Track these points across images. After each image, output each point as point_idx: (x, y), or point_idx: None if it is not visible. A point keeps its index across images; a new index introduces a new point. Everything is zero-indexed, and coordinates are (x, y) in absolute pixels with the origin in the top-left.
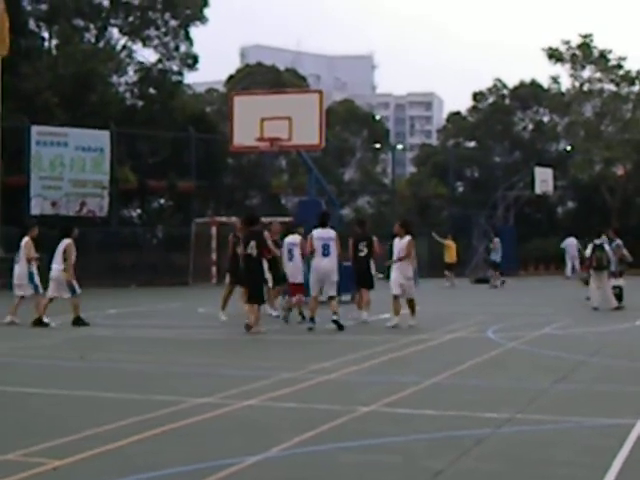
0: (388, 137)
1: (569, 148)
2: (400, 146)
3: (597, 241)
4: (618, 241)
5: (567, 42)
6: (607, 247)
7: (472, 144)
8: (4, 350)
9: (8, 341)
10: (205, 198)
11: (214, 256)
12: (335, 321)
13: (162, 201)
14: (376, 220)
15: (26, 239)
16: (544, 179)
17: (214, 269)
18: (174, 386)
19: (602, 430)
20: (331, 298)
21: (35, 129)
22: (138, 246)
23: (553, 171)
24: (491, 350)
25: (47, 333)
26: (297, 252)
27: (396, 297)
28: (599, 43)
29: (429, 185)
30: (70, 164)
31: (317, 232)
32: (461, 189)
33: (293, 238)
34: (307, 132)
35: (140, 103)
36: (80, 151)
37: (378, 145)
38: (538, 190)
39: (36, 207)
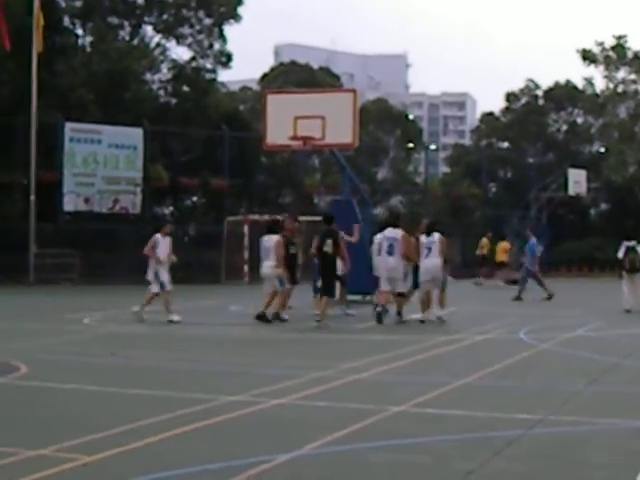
0: (421, 137)
1: (603, 150)
2: (433, 146)
3: (630, 243)
4: None
5: (601, 43)
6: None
7: (505, 145)
8: (36, 346)
9: (40, 337)
10: (238, 196)
11: (246, 254)
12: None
13: (195, 199)
14: (409, 219)
15: (157, 236)
16: (577, 180)
17: (246, 267)
18: (206, 383)
19: (636, 432)
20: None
21: (69, 126)
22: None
23: (587, 173)
24: (523, 351)
25: (80, 329)
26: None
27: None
28: (633, 44)
29: (462, 185)
30: (103, 161)
31: (387, 232)
32: (494, 190)
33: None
34: (340, 131)
35: (173, 101)
36: (113, 148)
37: (411, 145)
38: (571, 191)
39: (69, 204)
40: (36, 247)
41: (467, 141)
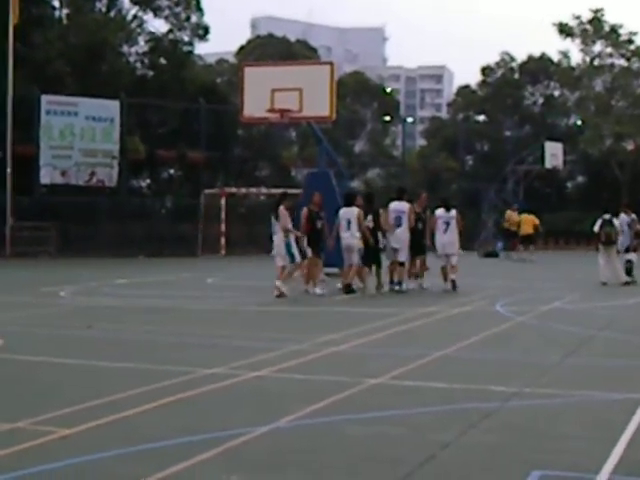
0: (398, 110)
1: (579, 123)
2: (410, 119)
3: (606, 216)
4: (633, 216)
5: (578, 17)
6: (616, 222)
7: (482, 118)
8: (12, 319)
9: (15, 310)
10: (215, 169)
11: (223, 227)
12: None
13: (171, 171)
14: (386, 192)
15: (281, 209)
16: (554, 153)
17: (223, 240)
18: (183, 356)
19: (611, 404)
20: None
21: (45, 98)
22: (147, 216)
23: (563, 146)
24: (500, 324)
25: (55, 302)
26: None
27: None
28: (610, 18)
29: (439, 158)
30: (80, 134)
31: (393, 205)
32: (471, 163)
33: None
34: (318, 104)
35: (150, 73)
36: (90, 121)
37: (388, 117)
38: (548, 164)
39: (46, 176)
40: (13, 220)
41: (444, 114)
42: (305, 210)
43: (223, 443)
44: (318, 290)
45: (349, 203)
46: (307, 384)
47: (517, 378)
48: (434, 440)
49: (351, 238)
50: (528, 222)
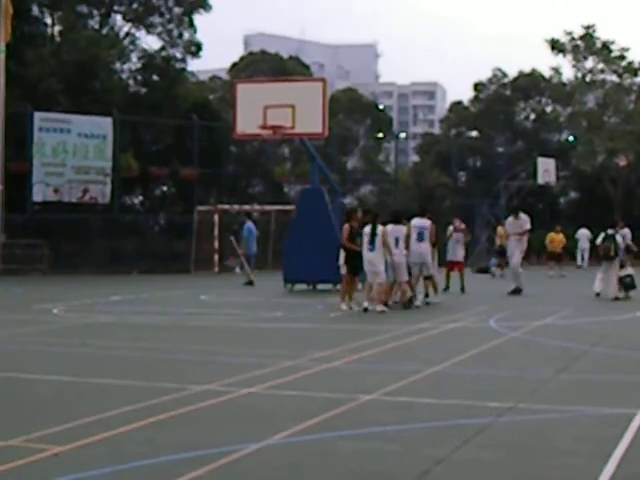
0: (391, 126)
1: (571, 139)
2: (403, 135)
3: (610, 231)
4: (625, 231)
5: (569, 33)
6: (619, 237)
7: (474, 134)
8: (5, 337)
9: (8, 328)
10: (208, 186)
11: (216, 244)
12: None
13: (164, 188)
14: (379, 209)
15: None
16: (547, 169)
17: (216, 257)
18: (176, 373)
19: (604, 420)
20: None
21: (38, 115)
22: (140, 233)
23: (556, 161)
24: (493, 339)
25: (48, 319)
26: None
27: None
28: (602, 34)
29: (432, 174)
30: (73, 151)
31: (415, 221)
32: (464, 179)
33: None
34: (310, 120)
35: (143, 90)
36: (83, 138)
37: (381, 134)
38: (541, 180)
39: (38, 194)
40: (5, 237)
41: (437, 130)
42: (347, 226)
43: (215, 460)
44: (344, 306)
45: (397, 221)
46: (300, 400)
47: (511, 394)
48: (428, 456)
49: (400, 255)
50: (557, 241)
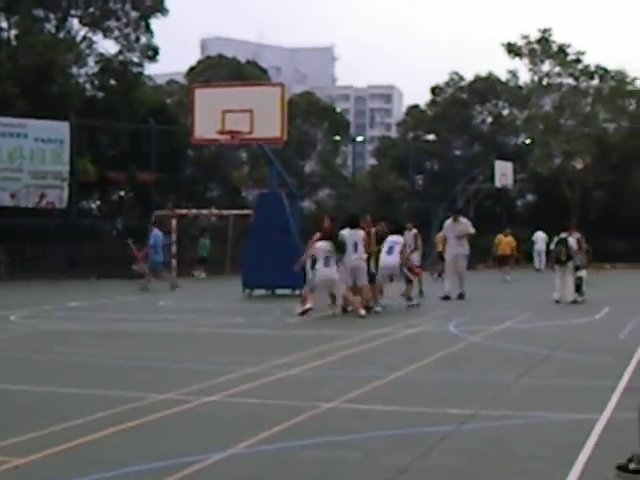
0: (348, 129)
1: (528, 141)
2: (360, 138)
3: (562, 235)
4: (578, 235)
5: (526, 37)
6: (571, 241)
7: (431, 137)
8: None
9: None
10: (165, 190)
11: (174, 249)
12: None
13: (122, 193)
14: (337, 213)
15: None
16: (504, 172)
17: (174, 262)
18: (136, 381)
19: (566, 425)
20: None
21: None
22: (98, 238)
23: (513, 164)
24: (453, 344)
25: (6, 326)
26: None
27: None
28: (558, 37)
29: (389, 178)
30: (30, 155)
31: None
32: (421, 182)
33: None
34: (268, 125)
35: (100, 94)
36: (40, 142)
37: (338, 137)
38: (498, 183)
39: None
40: None
41: (394, 133)
42: (374, 230)
43: (177, 471)
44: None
45: (354, 225)
46: (261, 409)
47: (472, 400)
48: (391, 465)
49: (359, 260)
50: (505, 243)
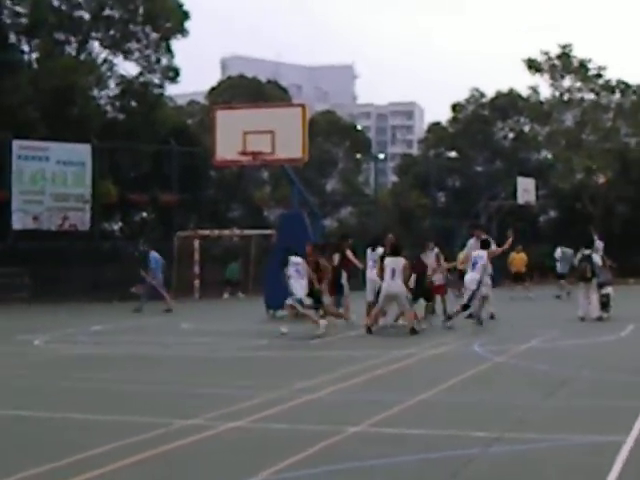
0: (370, 147)
1: (550, 157)
2: (381, 155)
3: (585, 252)
4: (599, 243)
5: (546, 52)
6: (596, 258)
7: (453, 154)
8: None
9: None
10: (187, 211)
11: (197, 270)
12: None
13: (144, 214)
14: (359, 231)
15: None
16: (526, 189)
17: (197, 283)
18: (160, 407)
19: (593, 448)
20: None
21: (16, 143)
22: (120, 260)
23: (535, 180)
24: (478, 365)
25: (29, 351)
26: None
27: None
28: (579, 53)
29: (411, 195)
30: (52, 178)
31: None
32: (443, 199)
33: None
34: (290, 146)
35: (121, 116)
36: (61, 165)
37: (360, 155)
38: (520, 200)
39: (18, 222)
40: None
41: (415, 151)
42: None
43: None
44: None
45: (396, 253)
46: (286, 434)
47: (498, 422)
48: None
49: (398, 287)
50: (518, 260)
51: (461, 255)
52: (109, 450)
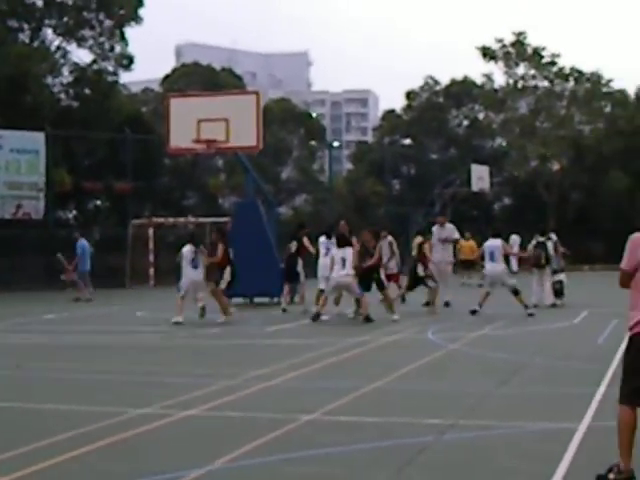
0: (325, 134)
1: (505, 145)
2: (336, 143)
3: (540, 238)
4: (554, 238)
5: (500, 40)
6: (549, 245)
7: (408, 142)
8: None
9: None
10: (142, 199)
11: (151, 258)
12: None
13: (98, 202)
14: (314, 218)
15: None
16: (480, 176)
17: (152, 271)
18: (114, 396)
19: (546, 435)
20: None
21: None
22: (75, 248)
23: (489, 168)
24: (432, 352)
25: None
26: None
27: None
28: (533, 40)
29: (366, 183)
30: (5, 166)
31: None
32: (398, 187)
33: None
34: (244, 134)
35: (75, 104)
36: (15, 153)
37: (314, 143)
38: (475, 187)
39: None
40: None
41: (370, 138)
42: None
43: None
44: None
45: (345, 243)
46: (240, 422)
47: (452, 410)
48: (371, 479)
49: (347, 276)
50: (467, 248)
51: (415, 242)
52: (63, 439)
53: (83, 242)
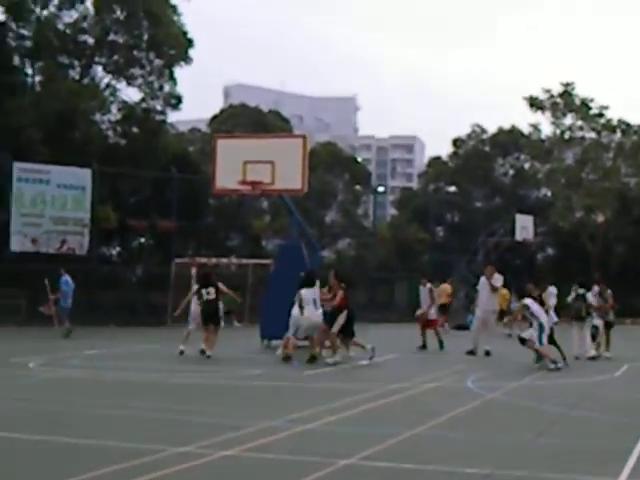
0: (370, 179)
1: (550, 195)
2: (381, 188)
3: (580, 290)
4: (596, 289)
5: (548, 90)
6: (590, 297)
7: (453, 189)
8: None
9: None
10: (186, 238)
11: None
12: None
13: (142, 240)
14: (356, 263)
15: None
16: (524, 226)
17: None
18: (153, 433)
19: None
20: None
21: (17, 165)
22: (117, 285)
23: (534, 218)
24: (471, 401)
25: (25, 373)
26: None
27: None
28: (581, 91)
29: (409, 229)
30: (51, 201)
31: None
32: (441, 234)
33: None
34: (290, 176)
35: (123, 142)
36: (62, 189)
37: (359, 187)
38: (519, 237)
39: (16, 244)
40: None
41: (415, 184)
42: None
43: None
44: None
45: (311, 283)
46: (277, 465)
47: (489, 459)
48: None
49: (319, 316)
50: (441, 291)
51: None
52: (98, 476)
53: (67, 278)
